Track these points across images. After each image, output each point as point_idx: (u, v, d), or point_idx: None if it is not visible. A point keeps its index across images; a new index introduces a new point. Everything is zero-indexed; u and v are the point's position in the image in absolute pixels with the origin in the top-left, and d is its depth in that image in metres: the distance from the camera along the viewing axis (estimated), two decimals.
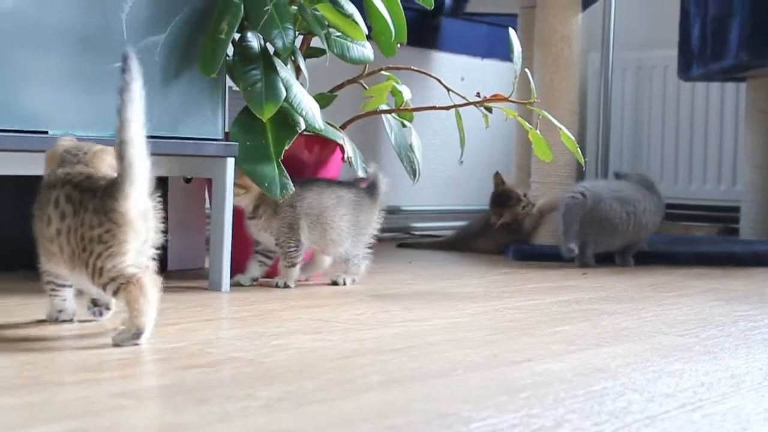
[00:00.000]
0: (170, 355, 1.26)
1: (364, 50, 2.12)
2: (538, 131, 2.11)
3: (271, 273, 2.04)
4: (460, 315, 1.69)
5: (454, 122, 2.18)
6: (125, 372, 1.17)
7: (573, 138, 2.13)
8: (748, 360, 1.32)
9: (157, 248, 1.37)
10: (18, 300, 1.69)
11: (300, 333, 1.45)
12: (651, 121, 3.90)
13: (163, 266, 1.42)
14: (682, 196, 3.78)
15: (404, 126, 2.24)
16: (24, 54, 1.64)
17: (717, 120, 3.76)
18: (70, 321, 1.47)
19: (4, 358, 1.22)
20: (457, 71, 3.65)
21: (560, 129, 2.10)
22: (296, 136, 1.96)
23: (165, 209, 1.38)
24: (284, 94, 1.90)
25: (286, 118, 1.96)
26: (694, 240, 3.29)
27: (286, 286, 1.98)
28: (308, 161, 2.14)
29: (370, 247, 2.09)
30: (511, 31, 2.11)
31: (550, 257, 2.66)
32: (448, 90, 2.17)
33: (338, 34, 2.07)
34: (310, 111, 1.94)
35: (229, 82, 1.96)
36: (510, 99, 2.10)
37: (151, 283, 1.32)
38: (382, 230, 2.16)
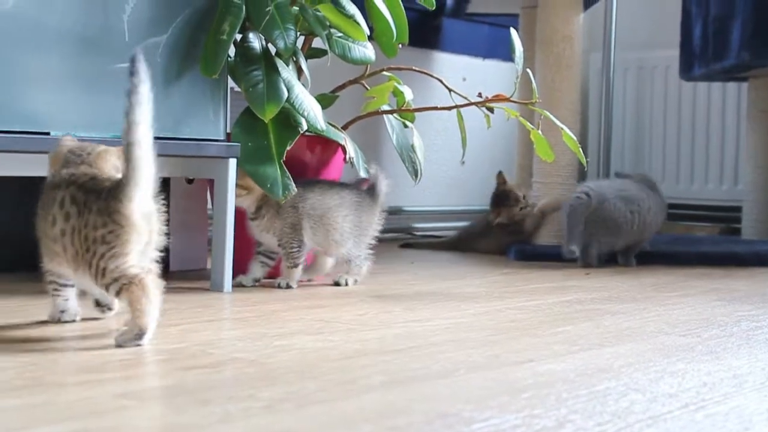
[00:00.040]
0: (172, 355, 1.26)
1: (366, 51, 2.12)
2: (539, 131, 2.11)
3: (273, 274, 2.04)
4: (462, 315, 1.69)
5: (455, 123, 2.18)
6: (127, 373, 1.17)
7: (575, 138, 2.13)
8: (750, 360, 1.32)
9: (161, 250, 1.37)
10: (19, 301, 1.69)
11: (302, 333, 1.45)
12: (653, 121, 3.90)
13: (165, 267, 1.42)
14: (684, 196, 3.78)
15: (406, 126, 2.24)
16: (25, 55, 1.64)
17: (719, 120, 3.75)
18: (73, 321, 1.47)
19: (6, 358, 1.22)
20: (459, 71, 3.65)
21: (562, 129, 2.10)
22: (298, 137, 1.96)
23: (167, 210, 1.38)
24: (286, 94, 1.90)
25: (287, 119, 1.96)
26: (696, 240, 3.29)
27: (288, 286, 1.98)
28: (310, 162, 2.14)
29: (371, 248, 2.09)
30: (513, 31, 2.11)
31: (551, 257, 2.66)
32: (450, 90, 2.17)
33: (340, 34, 2.07)
34: (311, 112, 1.94)
35: (230, 82, 1.96)
36: (512, 99, 2.10)
37: (154, 284, 1.33)
38: (384, 231, 2.16)
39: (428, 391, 1.09)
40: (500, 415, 0.98)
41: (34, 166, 1.64)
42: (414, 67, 2.29)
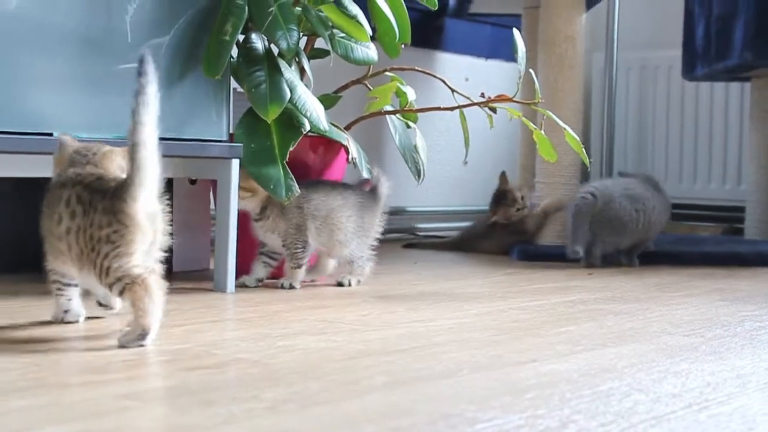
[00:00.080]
0: (175, 356, 1.26)
1: (368, 51, 2.12)
2: (542, 131, 2.11)
3: (276, 274, 2.04)
4: (465, 316, 1.69)
5: (458, 123, 2.18)
6: (131, 373, 1.17)
7: (577, 138, 2.13)
8: (754, 360, 1.32)
9: (165, 251, 1.37)
10: (21, 302, 1.69)
11: (305, 334, 1.45)
12: (655, 121, 3.89)
13: (169, 268, 1.43)
14: (687, 196, 3.78)
15: (409, 127, 2.24)
16: (28, 56, 1.64)
17: (721, 120, 3.75)
18: (76, 322, 1.47)
19: (9, 359, 1.22)
20: (462, 72, 3.64)
21: (565, 129, 2.10)
22: (301, 138, 1.96)
23: (170, 210, 1.38)
24: (289, 95, 1.90)
25: (290, 120, 1.96)
26: (699, 240, 3.29)
27: (291, 287, 1.98)
28: (313, 162, 2.14)
29: (374, 249, 2.09)
30: (515, 31, 2.10)
31: (554, 257, 2.65)
32: (453, 91, 2.17)
33: (342, 35, 2.07)
34: (314, 112, 1.94)
35: (233, 83, 1.96)
36: (514, 99, 2.10)
37: (157, 284, 1.33)
38: (387, 231, 2.16)
39: (431, 392, 1.09)
40: (503, 416, 0.98)
41: (37, 168, 1.64)
42: (417, 68, 2.29)
